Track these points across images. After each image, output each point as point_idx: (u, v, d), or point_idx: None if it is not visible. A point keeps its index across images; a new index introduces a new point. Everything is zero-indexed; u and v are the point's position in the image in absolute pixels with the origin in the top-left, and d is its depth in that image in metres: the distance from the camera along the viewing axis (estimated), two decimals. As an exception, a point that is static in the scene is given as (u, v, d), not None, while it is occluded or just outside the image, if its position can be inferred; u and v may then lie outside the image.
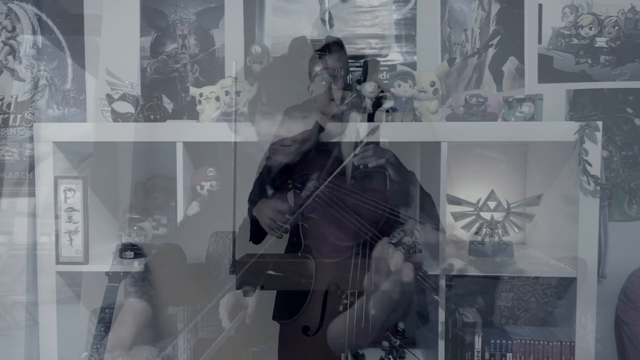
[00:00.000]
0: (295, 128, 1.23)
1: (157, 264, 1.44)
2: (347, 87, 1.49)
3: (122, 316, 1.34)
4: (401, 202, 1.28)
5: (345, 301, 1.19)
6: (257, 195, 1.30)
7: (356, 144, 1.31)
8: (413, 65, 1.84)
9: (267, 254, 1.22)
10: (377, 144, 1.34)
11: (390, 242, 1.09)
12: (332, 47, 1.45)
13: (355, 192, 1.20)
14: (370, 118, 1.53)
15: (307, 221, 1.21)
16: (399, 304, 1.12)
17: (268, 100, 1.28)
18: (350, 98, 1.45)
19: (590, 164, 1.44)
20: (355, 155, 1.26)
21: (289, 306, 1.24)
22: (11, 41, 1.87)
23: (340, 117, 1.40)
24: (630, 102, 1.77)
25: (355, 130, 1.41)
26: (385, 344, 1.52)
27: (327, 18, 1.84)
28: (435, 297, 1.15)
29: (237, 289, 1.20)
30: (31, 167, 1.71)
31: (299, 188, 1.23)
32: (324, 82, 1.32)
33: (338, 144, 1.32)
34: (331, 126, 1.38)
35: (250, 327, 1.28)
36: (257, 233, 1.29)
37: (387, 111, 1.52)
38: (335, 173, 1.21)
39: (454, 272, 1.48)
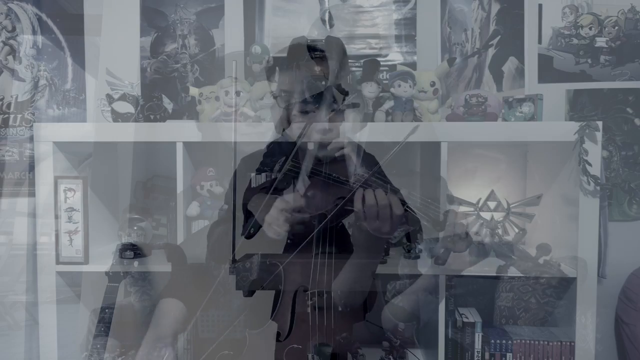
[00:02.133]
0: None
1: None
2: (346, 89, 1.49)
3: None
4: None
5: (309, 301, 1.19)
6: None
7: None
8: (413, 65, 1.84)
9: (268, 254, 1.22)
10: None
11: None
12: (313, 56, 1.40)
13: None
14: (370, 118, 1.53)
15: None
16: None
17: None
18: (350, 98, 1.45)
19: (590, 164, 1.44)
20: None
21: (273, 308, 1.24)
22: (11, 41, 1.87)
23: (341, 117, 1.40)
24: (630, 102, 1.77)
25: (356, 130, 1.41)
26: (386, 344, 1.53)
27: (327, 18, 1.84)
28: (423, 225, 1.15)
29: (237, 289, 1.20)
30: (31, 167, 1.71)
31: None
32: (281, 105, 1.28)
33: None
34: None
35: None
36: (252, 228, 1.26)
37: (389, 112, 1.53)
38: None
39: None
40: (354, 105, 1.43)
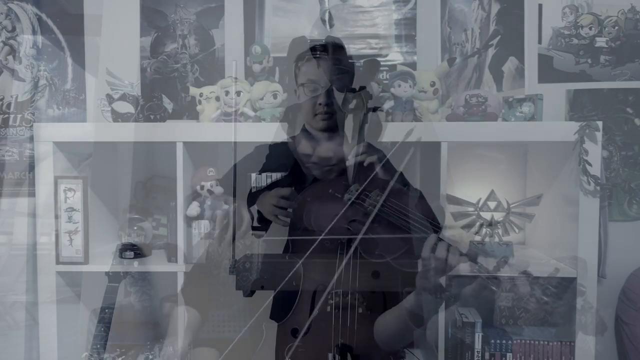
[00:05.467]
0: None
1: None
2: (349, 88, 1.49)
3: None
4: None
5: (331, 301, 1.19)
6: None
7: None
8: (413, 65, 1.84)
9: (268, 254, 1.22)
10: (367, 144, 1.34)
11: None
12: (327, 51, 1.43)
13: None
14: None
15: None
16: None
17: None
18: (351, 98, 1.45)
19: (590, 164, 1.44)
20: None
21: (283, 306, 1.24)
22: (11, 41, 1.87)
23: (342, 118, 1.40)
24: (630, 102, 1.77)
25: (357, 131, 1.40)
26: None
27: (327, 18, 1.84)
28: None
29: (237, 289, 1.20)
30: (31, 167, 1.70)
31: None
32: (307, 94, 1.30)
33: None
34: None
35: None
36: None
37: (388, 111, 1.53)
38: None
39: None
40: (375, 109, 1.44)
